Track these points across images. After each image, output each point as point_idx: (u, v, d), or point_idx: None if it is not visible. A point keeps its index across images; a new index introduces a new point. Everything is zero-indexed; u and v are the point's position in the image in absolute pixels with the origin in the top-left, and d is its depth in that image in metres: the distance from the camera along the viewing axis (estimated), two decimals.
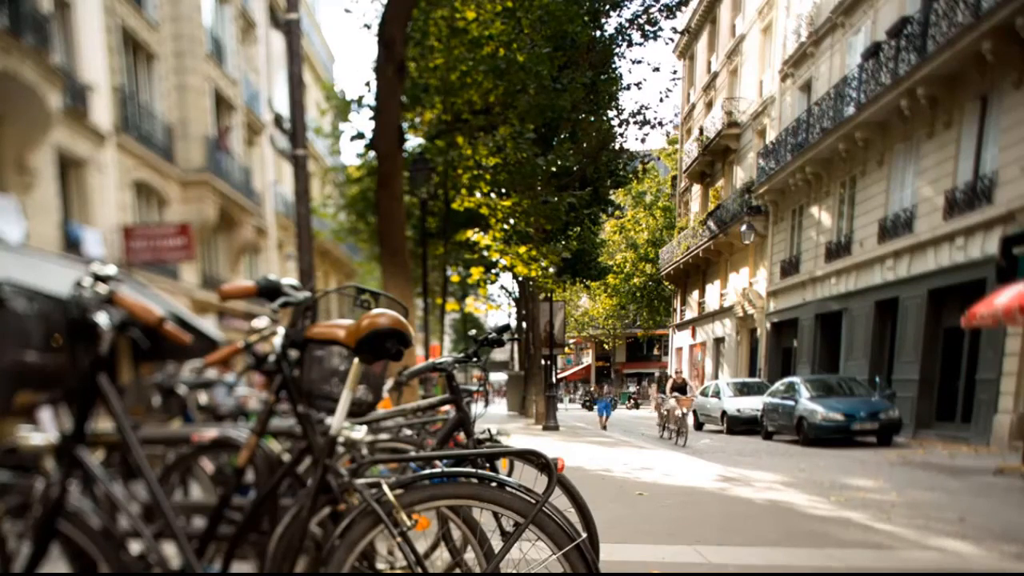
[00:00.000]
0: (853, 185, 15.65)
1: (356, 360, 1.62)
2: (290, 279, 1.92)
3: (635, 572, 3.13)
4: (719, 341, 24.83)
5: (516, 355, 28.46)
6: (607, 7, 14.34)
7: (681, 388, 12.64)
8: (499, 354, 33.43)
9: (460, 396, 2.74)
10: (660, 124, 17.21)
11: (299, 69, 6.14)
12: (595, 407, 32.38)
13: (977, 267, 11.43)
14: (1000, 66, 10.85)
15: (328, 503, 1.68)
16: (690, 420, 13.01)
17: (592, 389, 40.57)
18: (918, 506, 5.44)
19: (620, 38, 15.13)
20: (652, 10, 14.85)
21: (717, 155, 23.98)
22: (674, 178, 32.26)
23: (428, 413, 3.18)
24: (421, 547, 2.03)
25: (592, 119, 14.56)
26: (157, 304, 2.54)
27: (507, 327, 3.15)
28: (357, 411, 2.36)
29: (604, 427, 16.39)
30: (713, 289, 25.39)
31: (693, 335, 27.78)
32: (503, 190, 13.25)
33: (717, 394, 16.05)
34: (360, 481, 1.57)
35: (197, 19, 15.81)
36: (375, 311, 1.60)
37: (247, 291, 1.83)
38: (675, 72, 24.85)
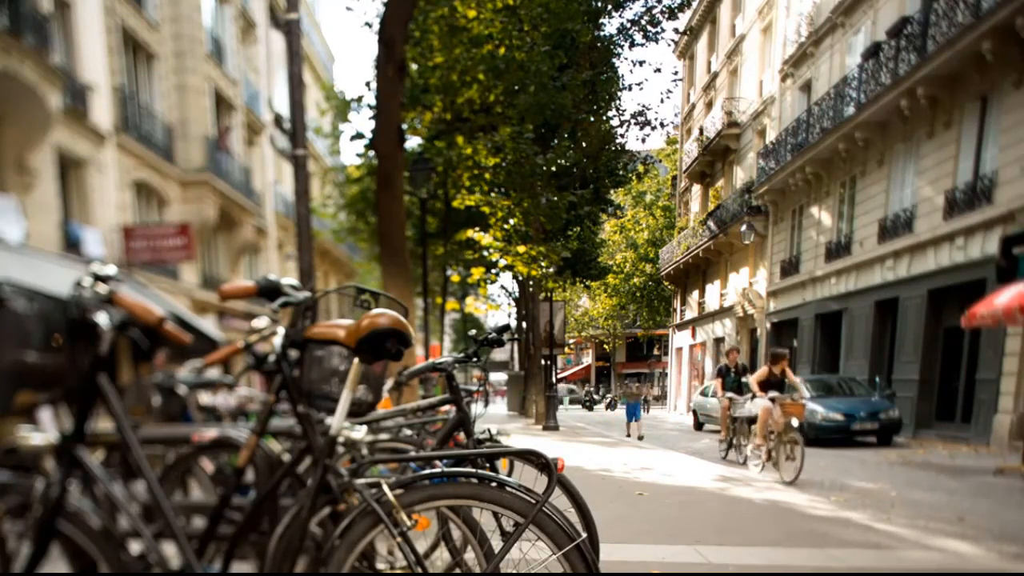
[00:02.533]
0: (853, 185, 15.65)
1: (356, 360, 1.62)
2: (290, 279, 1.92)
3: (635, 572, 3.13)
4: (719, 341, 24.81)
5: (516, 355, 28.48)
6: (608, 7, 14.35)
7: (779, 384, 7.58)
8: (499, 354, 33.44)
9: (460, 396, 2.74)
10: (661, 125, 17.24)
11: (299, 69, 6.14)
12: (608, 408, 31.54)
13: (977, 267, 11.43)
14: (1000, 66, 10.85)
15: (328, 503, 1.67)
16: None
17: (591, 388, 40.49)
18: (918, 506, 5.44)
19: (621, 38, 15.15)
20: (654, 11, 14.86)
21: (717, 155, 23.97)
22: (674, 178, 32.26)
23: (428, 413, 3.18)
24: (421, 547, 2.03)
25: (592, 119, 14.57)
26: (157, 304, 2.54)
27: (507, 327, 3.15)
28: (357, 411, 2.36)
29: (639, 436, 12.92)
30: (713, 289, 25.38)
31: (693, 335, 27.77)
32: (503, 189, 13.26)
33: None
34: (360, 481, 1.57)
35: (197, 19, 15.81)
36: (375, 311, 1.60)
37: (247, 291, 1.83)
38: (676, 73, 24.86)
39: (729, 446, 8.82)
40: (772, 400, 7.20)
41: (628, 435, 13.35)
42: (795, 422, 6.92)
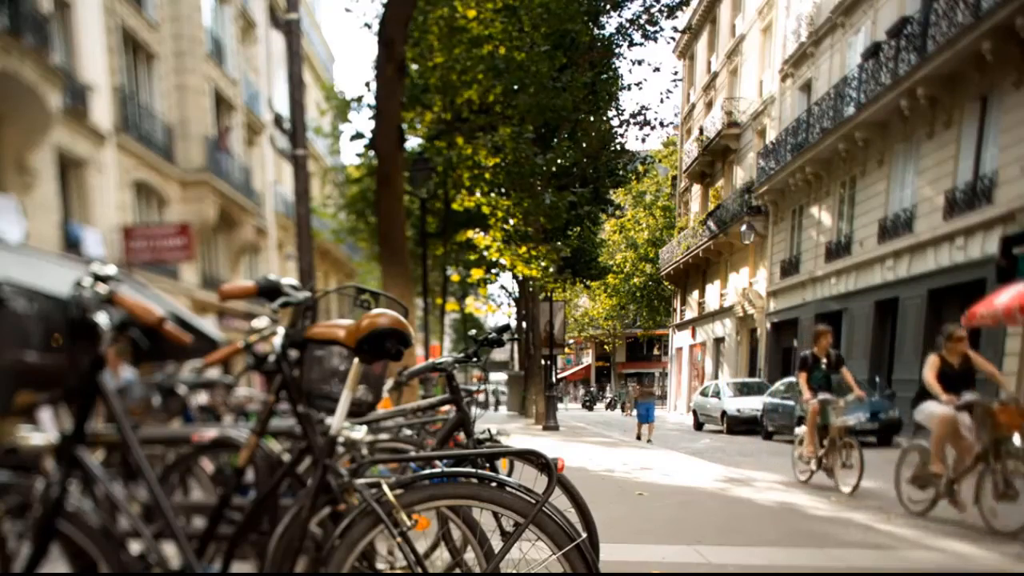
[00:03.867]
0: (853, 185, 15.65)
1: (356, 360, 1.62)
2: (290, 279, 1.92)
3: (635, 572, 3.13)
4: (719, 341, 24.83)
5: (516, 355, 28.47)
6: (607, 6, 14.35)
7: (966, 378, 5.11)
8: (499, 354, 33.44)
9: (460, 396, 2.74)
10: (661, 125, 17.23)
11: (299, 69, 6.15)
12: (619, 409, 31.20)
13: (977, 267, 11.42)
14: (1000, 66, 10.84)
15: (328, 503, 1.67)
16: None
17: (592, 388, 40.48)
18: None
19: (621, 38, 15.15)
20: (653, 10, 14.87)
21: (717, 155, 23.97)
22: (674, 178, 32.27)
23: (428, 413, 3.18)
24: (421, 547, 2.03)
25: (592, 119, 14.57)
26: (157, 304, 2.54)
27: (507, 327, 3.15)
28: (357, 411, 2.36)
29: (649, 439, 12.16)
30: (713, 289, 25.39)
31: (693, 335, 27.77)
32: (503, 190, 13.26)
33: (717, 394, 16.05)
34: (360, 481, 1.56)
35: (197, 19, 15.81)
36: (375, 311, 1.60)
37: (247, 291, 1.83)
38: (675, 72, 24.87)
39: (819, 465, 6.29)
40: (967, 407, 4.68)
41: (638, 437, 12.50)
42: (1018, 439, 4.29)
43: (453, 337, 39.59)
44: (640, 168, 18.81)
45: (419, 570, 1.49)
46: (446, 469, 1.58)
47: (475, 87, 10.07)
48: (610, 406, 32.88)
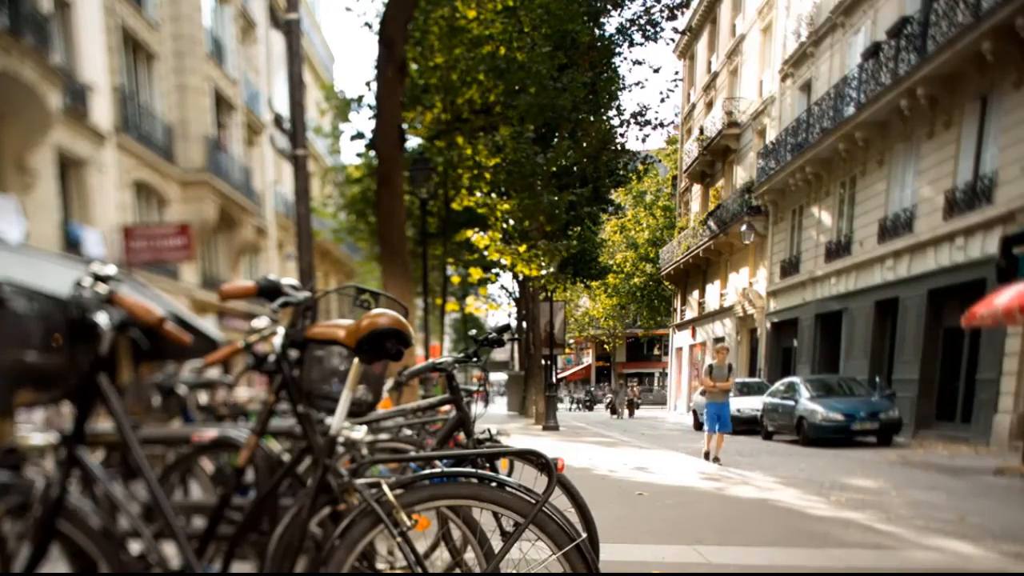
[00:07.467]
0: (853, 185, 15.65)
1: (356, 360, 1.62)
2: (290, 279, 1.92)
3: (635, 572, 3.13)
4: (719, 341, 24.83)
5: (516, 355, 28.44)
6: (608, 7, 14.36)
7: None
8: (499, 354, 33.41)
9: (460, 396, 2.74)
10: (661, 125, 17.23)
11: (299, 69, 6.14)
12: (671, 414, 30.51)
13: (977, 267, 11.42)
14: (1000, 66, 10.84)
15: (328, 503, 1.67)
16: None
17: (592, 389, 40.40)
18: (918, 506, 5.43)
19: (621, 38, 15.16)
20: (653, 11, 14.87)
21: (717, 155, 23.97)
22: (674, 178, 32.25)
23: (428, 413, 3.18)
24: (421, 547, 2.03)
25: (592, 119, 14.57)
26: (157, 304, 2.54)
27: (507, 327, 3.15)
28: (357, 411, 2.36)
29: (716, 456, 8.51)
30: (713, 289, 25.39)
31: (693, 335, 27.76)
32: (503, 190, 13.27)
33: None
34: (360, 481, 1.56)
35: (197, 19, 15.81)
36: (375, 311, 1.60)
37: (247, 291, 1.83)
38: (676, 72, 24.89)
39: None
40: None
41: (706, 455, 8.82)
42: None
43: (453, 337, 39.58)
44: (640, 168, 18.81)
45: (419, 570, 1.49)
46: (446, 469, 1.58)
47: (475, 87, 10.08)
48: (609, 407, 32.82)
